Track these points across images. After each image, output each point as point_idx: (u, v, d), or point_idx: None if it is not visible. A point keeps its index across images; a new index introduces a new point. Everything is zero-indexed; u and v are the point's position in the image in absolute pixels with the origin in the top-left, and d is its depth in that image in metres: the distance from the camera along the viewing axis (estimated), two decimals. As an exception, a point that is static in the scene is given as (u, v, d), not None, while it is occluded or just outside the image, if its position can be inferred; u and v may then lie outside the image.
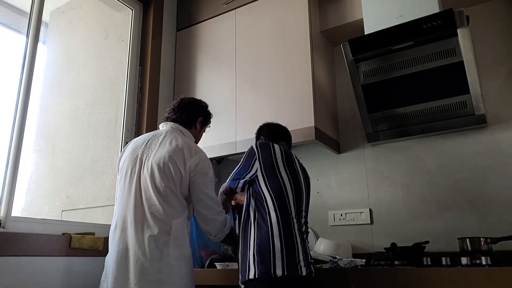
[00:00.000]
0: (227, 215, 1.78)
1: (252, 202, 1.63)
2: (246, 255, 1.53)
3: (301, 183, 1.67)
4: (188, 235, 1.67)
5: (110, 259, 1.62)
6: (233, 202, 1.91)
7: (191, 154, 1.65)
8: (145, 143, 1.72)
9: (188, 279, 1.61)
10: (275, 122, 1.94)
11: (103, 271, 1.66)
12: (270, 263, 1.45)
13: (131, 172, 1.67)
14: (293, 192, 1.61)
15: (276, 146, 1.69)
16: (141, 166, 1.66)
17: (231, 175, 1.69)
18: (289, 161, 1.68)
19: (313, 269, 1.56)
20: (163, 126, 1.79)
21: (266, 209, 1.56)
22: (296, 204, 1.61)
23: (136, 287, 1.50)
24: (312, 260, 1.59)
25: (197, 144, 1.85)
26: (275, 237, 1.49)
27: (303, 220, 1.64)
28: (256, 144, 1.69)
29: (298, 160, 1.76)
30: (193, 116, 1.83)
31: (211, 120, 1.94)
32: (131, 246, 1.56)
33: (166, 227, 1.56)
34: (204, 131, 1.93)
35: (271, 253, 1.46)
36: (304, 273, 1.48)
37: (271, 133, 1.87)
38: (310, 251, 1.62)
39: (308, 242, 1.64)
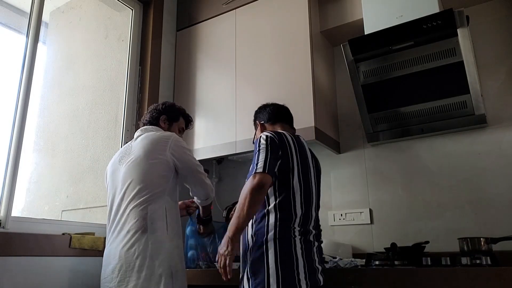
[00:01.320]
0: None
1: None
2: (244, 269, 1.46)
3: (311, 186, 1.55)
4: (166, 219, 1.69)
5: (103, 262, 1.71)
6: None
7: (161, 138, 1.76)
8: (122, 152, 1.85)
9: (168, 264, 1.61)
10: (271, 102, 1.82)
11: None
12: (264, 282, 1.35)
13: (113, 180, 1.79)
14: (302, 199, 1.48)
15: (292, 145, 1.52)
16: (120, 169, 1.77)
17: (258, 164, 1.43)
18: (304, 159, 1.54)
19: (320, 277, 1.44)
20: (136, 133, 1.91)
21: (266, 219, 1.44)
22: (304, 211, 1.48)
23: (118, 279, 1.58)
24: (320, 267, 1.46)
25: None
26: (269, 254, 1.38)
27: (312, 225, 1.51)
28: (274, 140, 1.49)
29: (310, 150, 1.62)
30: (155, 116, 1.94)
31: (183, 117, 2.02)
32: (115, 242, 1.65)
33: (143, 213, 1.64)
34: (180, 130, 2.00)
35: (265, 272, 1.36)
36: (303, 287, 1.36)
37: (268, 116, 1.74)
38: (317, 256, 1.48)
39: (317, 245, 1.51)
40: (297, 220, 1.45)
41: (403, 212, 2.17)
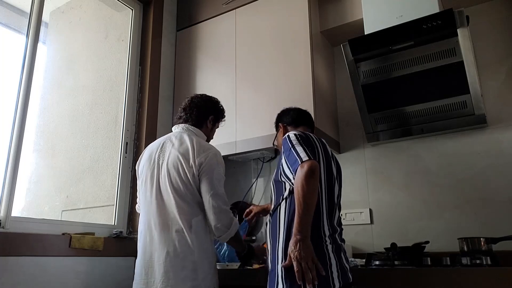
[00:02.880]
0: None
1: (282, 208, 1.47)
2: (274, 266, 1.42)
3: (334, 185, 1.52)
4: (209, 233, 1.67)
5: (138, 262, 1.67)
6: (245, 217, 1.94)
7: (199, 152, 1.67)
8: (160, 147, 1.76)
9: (212, 275, 1.63)
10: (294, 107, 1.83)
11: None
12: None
13: (150, 177, 1.71)
14: (326, 197, 1.46)
15: (318, 144, 1.51)
16: (159, 170, 1.70)
17: (301, 155, 1.39)
18: (327, 159, 1.52)
19: (350, 276, 1.42)
20: (176, 128, 1.83)
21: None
22: (329, 209, 1.46)
23: (161, 285, 1.54)
24: (348, 266, 1.44)
25: (210, 141, 1.90)
26: None
27: (336, 223, 1.50)
28: (303, 137, 1.49)
29: (331, 151, 1.60)
30: (204, 115, 1.84)
31: (224, 115, 1.95)
32: (156, 247, 1.60)
33: (187, 225, 1.60)
34: (217, 127, 1.95)
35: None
36: (337, 285, 1.34)
37: (291, 119, 1.77)
38: (344, 255, 1.46)
39: (343, 244, 1.50)
40: (324, 218, 1.43)
41: (403, 212, 2.17)
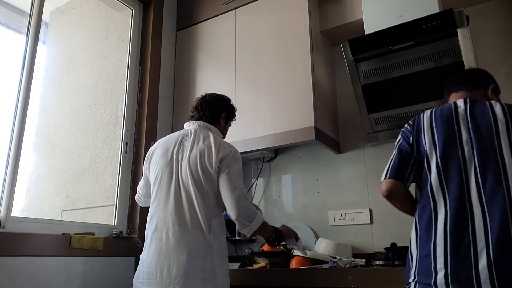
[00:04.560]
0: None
1: None
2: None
3: (464, 160, 1.24)
4: (224, 235, 1.67)
5: (150, 260, 1.60)
6: None
7: (219, 149, 1.67)
8: (177, 143, 1.73)
9: (227, 277, 1.63)
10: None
11: (135, 272, 1.67)
12: None
13: (168, 173, 1.68)
14: (451, 186, 1.23)
15: (427, 125, 1.35)
16: (178, 166, 1.67)
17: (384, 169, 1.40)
18: (448, 131, 1.29)
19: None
20: (190, 125, 1.81)
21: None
22: (458, 200, 1.21)
23: (181, 287, 1.51)
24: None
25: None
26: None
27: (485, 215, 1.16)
28: (404, 132, 1.46)
29: (491, 108, 1.30)
30: (216, 113, 1.84)
31: (235, 114, 1.96)
32: (174, 246, 1.56)
33: (207, 225, 1.58)
34: (229, 126, 1.95)
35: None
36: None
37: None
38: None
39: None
40: (442, 215, 1.22)
41: (403, 212, 2.17)
